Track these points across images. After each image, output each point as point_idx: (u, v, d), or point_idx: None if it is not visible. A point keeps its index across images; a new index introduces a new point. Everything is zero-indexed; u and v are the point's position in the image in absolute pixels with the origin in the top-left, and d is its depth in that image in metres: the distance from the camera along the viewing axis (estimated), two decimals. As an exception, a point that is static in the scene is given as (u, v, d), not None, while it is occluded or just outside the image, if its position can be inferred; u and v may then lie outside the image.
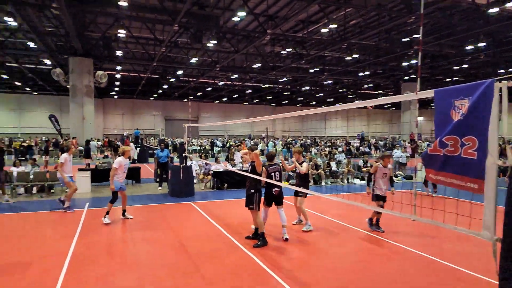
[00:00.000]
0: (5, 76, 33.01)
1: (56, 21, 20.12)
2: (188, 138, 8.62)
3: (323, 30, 20.41)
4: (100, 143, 30.88)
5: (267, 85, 38.69)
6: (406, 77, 33.34)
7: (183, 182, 10.44)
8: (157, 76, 33.75)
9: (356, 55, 25.40)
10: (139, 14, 18.25)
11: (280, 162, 7.20)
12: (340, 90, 42.80)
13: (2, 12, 18.23)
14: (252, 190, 6.08)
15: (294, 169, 7.30)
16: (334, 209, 9.02)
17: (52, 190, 11.20)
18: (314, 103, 54.11)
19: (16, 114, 44.70)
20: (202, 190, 12.05)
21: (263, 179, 6.02)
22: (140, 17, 18.54)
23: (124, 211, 7.99)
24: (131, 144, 21.07)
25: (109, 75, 25.75)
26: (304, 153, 26.02)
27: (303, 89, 41.03)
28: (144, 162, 21.01)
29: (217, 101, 52.48)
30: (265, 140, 37.76)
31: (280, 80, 35.97)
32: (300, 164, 7.09)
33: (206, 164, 12.86)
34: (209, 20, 18.52)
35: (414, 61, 26.41)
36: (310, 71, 30.80)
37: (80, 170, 11.57)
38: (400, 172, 16.09)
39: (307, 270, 5.02)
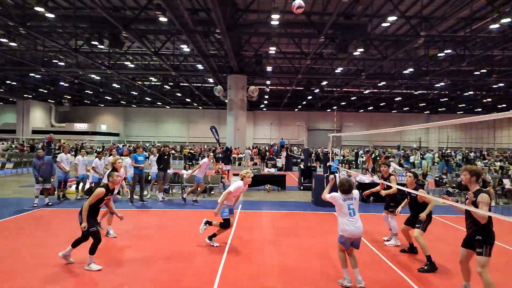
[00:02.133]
0: (179, 94, 40.24)
1: (218, 45, 23.41)
2: (332, 148, 8.61)
3: (491, 27, 17.31)
4: (249, 151, 33.97)
5: (419, 92, 35.17)
6: None
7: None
8: (301, 88, 35.03)
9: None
10: (287, 30, 19.41)
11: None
12: (516, 94, 35.22)
13: (179, 41, 22.43)
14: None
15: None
16: (506, 235, 7.52)
17: (212, 192, 12.85)
18: (479, 110, 46.14)
19: (185, 126, 54.18)
20: (346, 201, 11.77)
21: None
22: (289, 33, 19.68)
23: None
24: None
25: (259, 89, 28.25)
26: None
27: (465, 94, 35.47)
28: (289, 170, 22.03)
29: (361, 110, 50.68)
30: (414, 151, 34.14)
31: (435, 86, 32.11)
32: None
33: (349, 176, 12.53)
34: (356, 28, 18.19)
35: None
36: (475, 73, 26.38)
37: (234, 175, 12.99)
38: None
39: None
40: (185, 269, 5.29)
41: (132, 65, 27.86)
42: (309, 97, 40.01)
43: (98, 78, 33.91)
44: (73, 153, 23.16)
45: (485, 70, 25.57)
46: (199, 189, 10.71)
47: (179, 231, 7.47)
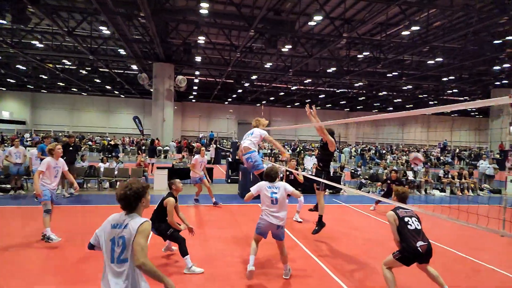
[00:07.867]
0: (97, 80, 36.95)
1: (142, 29, 21.94)
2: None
3: (403, 33, 19.12)
4: (174, 144, 32.89)
5: (341, 90, 37.62)
6: (498, 83, 29.75)
7: (253, 184, 10.46)
8: (231, 81, 34.84)
9: (439, 59, 23.33)
10: (217, 21, 19.01)
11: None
12: (420, 96, 39.79)
13: (97, 22, 20.53)
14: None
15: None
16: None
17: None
18: (391, 109, 51.10)
19: (105, 115, 49.90)
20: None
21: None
22: (218, 23, 19.29)
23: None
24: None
25: (188, 80, 27.33)
26: (378, 160, 24.13)
27: (379, 94, 38.97)
28: (217, 163, 21.83)
29: (289, 106, 52.44)
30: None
31: (355, 85, 34.64)
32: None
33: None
34: (285, 25, 18.53)
35: (506, 65, 23.54)
36: (388, 75, 29.04)
37: (158, 168, 12.36)
38: (486, 185, 14.68)
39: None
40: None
41: (41, 45, 24.69)
42: (239, 91, 40.12)
43: (-1, 57, 29.46)
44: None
45: (396, 73, 28.29)
46: (207, 188, 9.82)
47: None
